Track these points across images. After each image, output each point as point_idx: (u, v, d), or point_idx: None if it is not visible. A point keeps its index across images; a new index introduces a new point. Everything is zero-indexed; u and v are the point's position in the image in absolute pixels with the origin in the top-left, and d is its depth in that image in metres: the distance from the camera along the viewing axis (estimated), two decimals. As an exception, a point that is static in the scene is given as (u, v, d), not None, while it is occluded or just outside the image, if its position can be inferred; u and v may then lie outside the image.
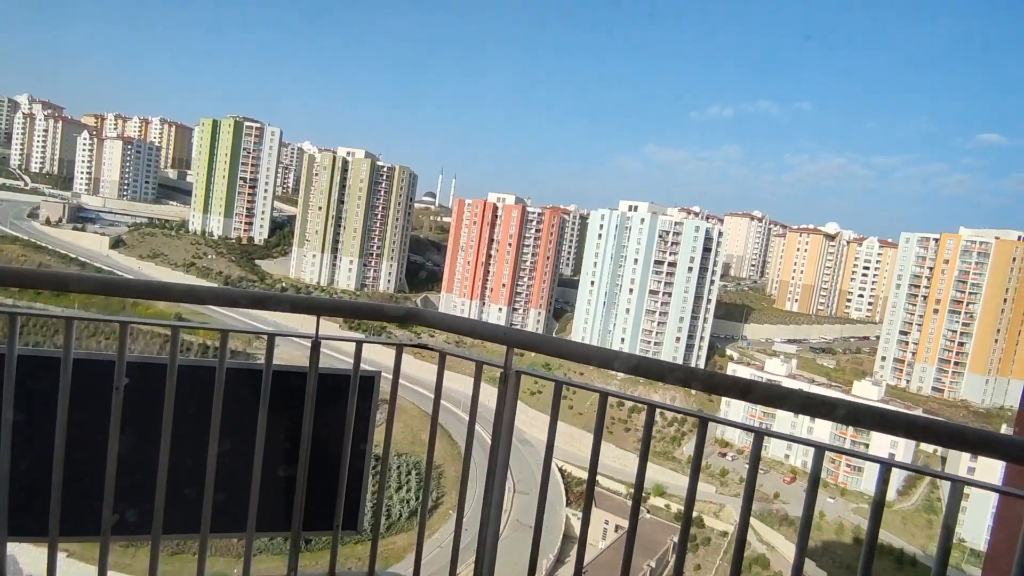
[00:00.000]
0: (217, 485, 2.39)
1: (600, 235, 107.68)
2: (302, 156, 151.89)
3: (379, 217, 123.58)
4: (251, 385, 2.44)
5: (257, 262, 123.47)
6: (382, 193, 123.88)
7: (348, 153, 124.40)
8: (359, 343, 2.59)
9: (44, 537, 2.25)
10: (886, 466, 1.92)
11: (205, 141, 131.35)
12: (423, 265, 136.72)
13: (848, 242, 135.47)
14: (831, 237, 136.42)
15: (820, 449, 2.00)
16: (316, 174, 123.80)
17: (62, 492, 2.23)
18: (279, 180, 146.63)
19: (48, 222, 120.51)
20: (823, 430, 68.83)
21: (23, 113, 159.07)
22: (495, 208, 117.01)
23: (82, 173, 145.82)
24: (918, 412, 73.33)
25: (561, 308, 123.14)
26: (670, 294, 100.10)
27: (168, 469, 2.32)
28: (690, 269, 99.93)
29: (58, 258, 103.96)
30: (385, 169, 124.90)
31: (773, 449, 77.15)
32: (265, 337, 2.59)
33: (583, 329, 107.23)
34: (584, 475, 70.83)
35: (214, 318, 73.99)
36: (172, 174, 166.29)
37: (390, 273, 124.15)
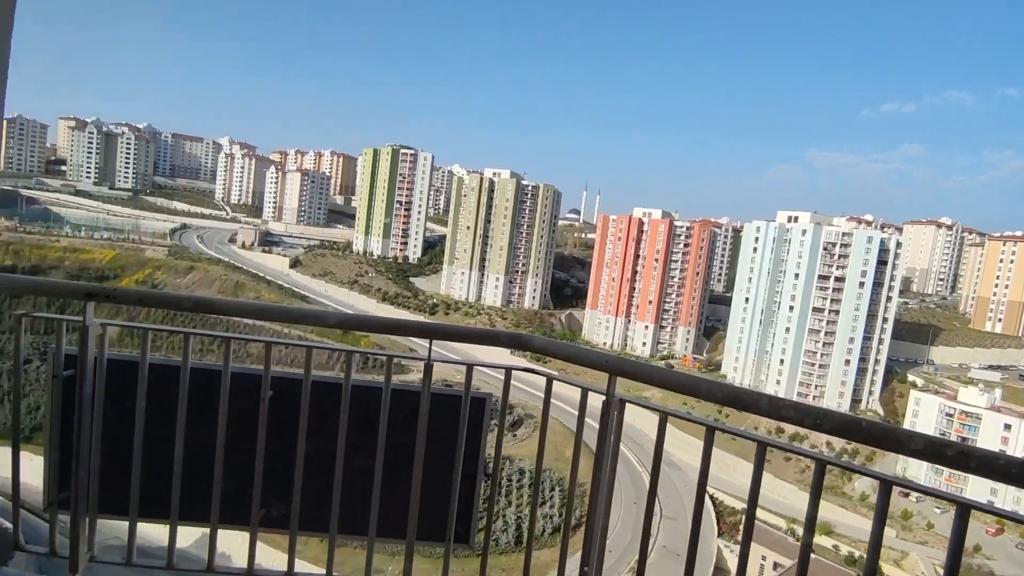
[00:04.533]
0: (344, 492, 2.62)
1: (755, 248, 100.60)
2: (452, 178, 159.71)
3: (524, 235, 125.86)
4: (374, 402, 2.62)
5: (411, 279, 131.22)
6: (527, 211, 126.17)
7: (494, 174, 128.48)
8: (469, 366, 2.75)
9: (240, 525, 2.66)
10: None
11: (367, 169, 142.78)
12: (567, 282, 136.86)
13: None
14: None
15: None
16: (464, 195, 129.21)
17: (222, 486, 2.60)
18: (431, 202, 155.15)
19: (243, 246, 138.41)
20: None
21: (225, 153, 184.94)
22: (640, 223, 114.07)
23: (269, 203, 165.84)
24: None
25: (712, 326, 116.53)
26: (837, 312, 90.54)
27: (303, 474, 2.59)
28: (861, 284, 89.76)
29: (250, 276, 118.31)
30: (530, 188, 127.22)
31: (972, 492, 65.90)
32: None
33: (736, 348, 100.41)
34: (738, 504, 65.66)
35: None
36: (340, 200, 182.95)
37: (535, 290, 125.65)
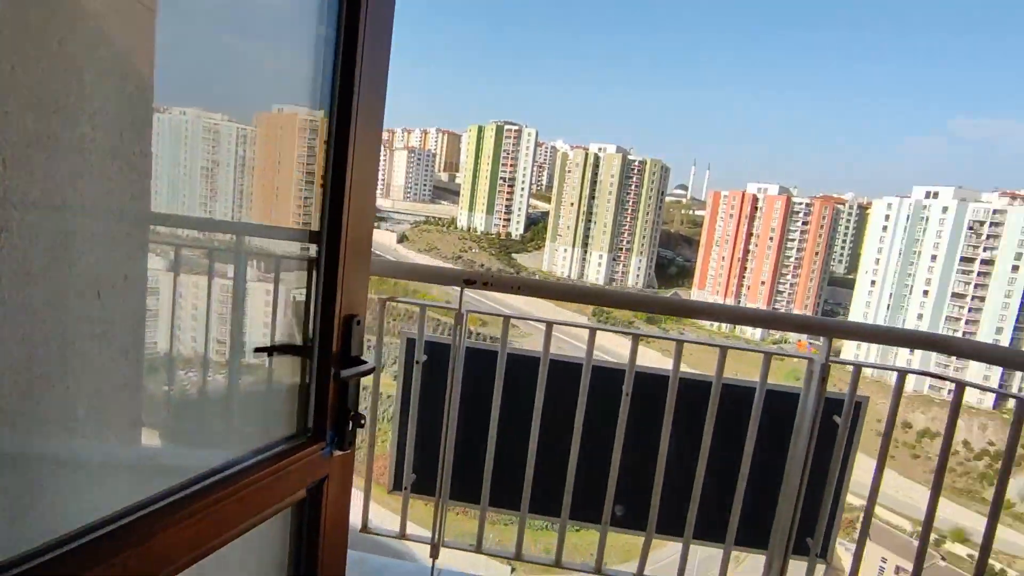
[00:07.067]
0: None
1: (885, 227, 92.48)
2: (555, 154, 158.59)
3: (629, 212, 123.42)
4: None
5: (514, 256, 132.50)
6: (632, 187, 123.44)
7: (600, 148, 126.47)
8: (858, 368, 2.47)
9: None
10: None
11: (471, 145, 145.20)
12: (673, 260, 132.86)
13: None
14: None
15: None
16: (568, 171, 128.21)
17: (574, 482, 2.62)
18: (534, 178, 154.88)
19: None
20: None
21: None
22: (755, 199, 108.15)
23: (379, 180, 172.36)
24: None
25: (831, 310, 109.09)
26: (983, 298, 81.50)
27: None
28: (1015, 268, 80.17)
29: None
30: (636, 163, 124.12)
31: None
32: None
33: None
34: (859, 501, 61.32)
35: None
36: (444, 177, 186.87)
37: (639, 268, 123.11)
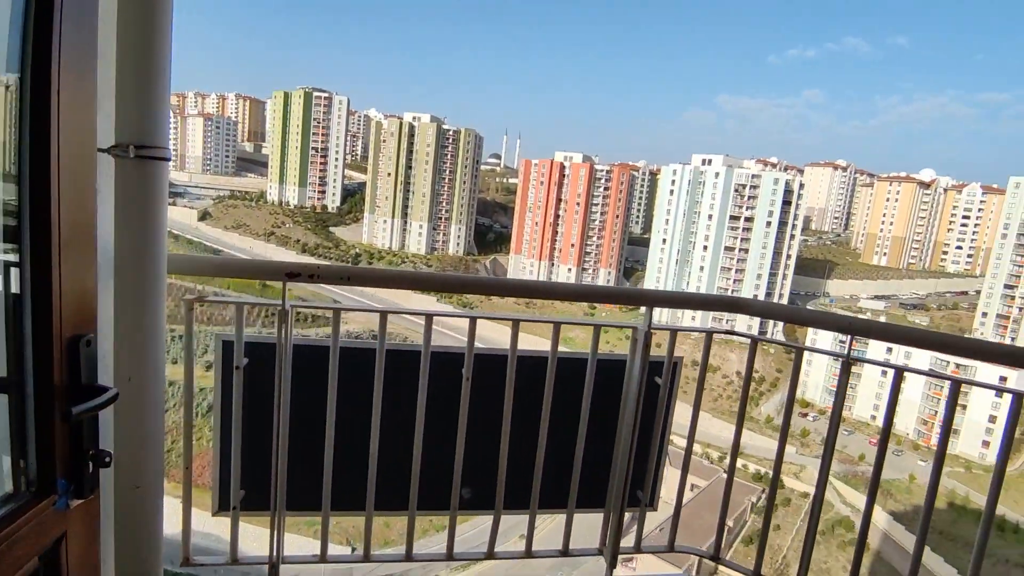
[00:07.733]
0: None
1: (672, 191, 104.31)
2: (369, 123, 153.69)
3: (446, 181, 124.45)
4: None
5: (331, 229, 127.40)
6: (448, 157, 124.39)
7: (414, 118, 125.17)
8: (673, 331, 2.74)
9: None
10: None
11: (278, 113, 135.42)
12: (491, 227, 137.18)
13: (945, 190, 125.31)
14: (926, 185, 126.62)
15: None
16: (384, 140, 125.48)
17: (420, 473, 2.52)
18: (348, 148, 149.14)
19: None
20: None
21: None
22: (562, 167, 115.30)
23: (170, 150, 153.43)
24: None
25: (631, 267, 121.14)
26: (747, 250, 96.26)
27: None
28: (768, 224, 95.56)
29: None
30: (451, 133, 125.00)
31: (858, 410, 73.75)
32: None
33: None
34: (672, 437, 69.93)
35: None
36: (249, 147, 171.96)
37: (459, 236, 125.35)
